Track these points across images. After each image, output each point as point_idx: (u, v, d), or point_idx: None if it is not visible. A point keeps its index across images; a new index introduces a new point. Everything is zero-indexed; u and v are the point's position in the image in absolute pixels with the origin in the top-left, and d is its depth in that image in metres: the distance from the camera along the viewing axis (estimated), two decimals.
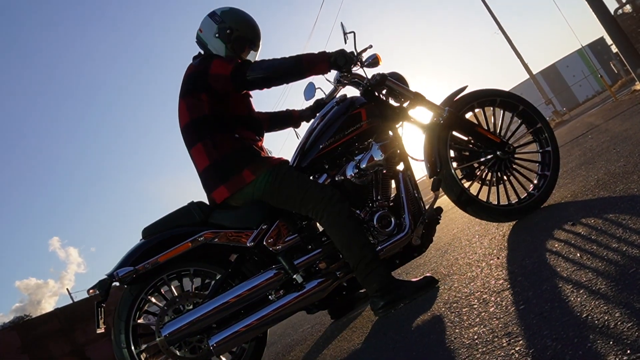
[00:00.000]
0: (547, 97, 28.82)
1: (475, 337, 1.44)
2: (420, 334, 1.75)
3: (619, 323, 1.08)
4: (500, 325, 1.42)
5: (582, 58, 48.47)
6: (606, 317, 1.14)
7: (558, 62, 50.86)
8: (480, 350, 1.33)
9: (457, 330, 1.57)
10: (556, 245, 1.94)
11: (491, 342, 1.34)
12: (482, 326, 1.49)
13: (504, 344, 1.28)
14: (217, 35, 2.71)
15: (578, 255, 1.70)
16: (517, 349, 1.22)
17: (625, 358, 0.94)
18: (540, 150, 2.96)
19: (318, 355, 2.38)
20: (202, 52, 2.80)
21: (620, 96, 14.94)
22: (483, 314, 1.59)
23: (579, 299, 1.32)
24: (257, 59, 2.84)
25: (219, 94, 2.56)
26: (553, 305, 1.37)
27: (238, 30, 2.73)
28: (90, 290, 2.35)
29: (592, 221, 2.04)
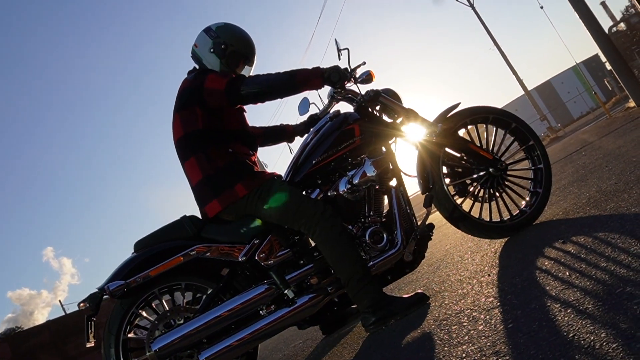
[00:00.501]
0: (541, 113, 29.00)
1: (464, 355, 1.44)
2: (409, 351, 1.75)
3: (604, 344, 1.09)
4: (488, 344, 1.42)
5: (576, 75, 48.91)
6: (592, 338, 1.14)
7: (553, 78, 51.30)
8: None
9: (445, 348, 1.57)
10: (546, 264, 1.95)
11: None
12: (470, 344, 1.49)
13: None
14: (212, 50, 2.73)
15: (567, 273, 1.71)
16: None
17: None
18: (533, 168, 2.98)
19: None
20: (197, 66, 2.82)
21: (614, 113, 15.06)
22: (472, 332, 1.60)
23: (566, 319, 1.33)
24: (251, 74, 2.86)
25: (213, 108, 2.57)
26: (541, 324, 1.38)
27: (233, 45, 2.75)
28: (81, 304, 2.34)
29: (582, 239, 2.05)
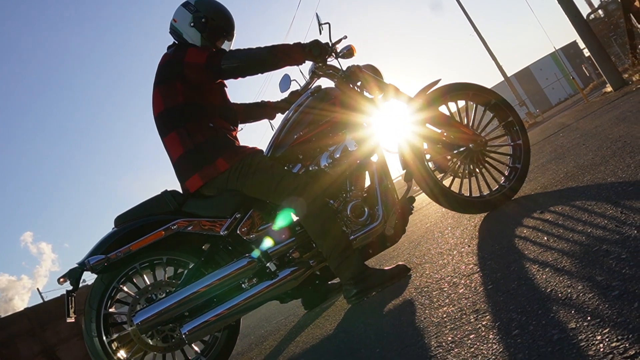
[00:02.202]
0: (520, 99, 29.25)
1: (445, 316, 1.46)
2: (391, 317, 1.77)
3: (581, 295, 1.11)
4: (468, 304, 1.44)
5: (555, 61, 49.31)
6: (569, 291, 1.17)
7: (532, 65, 51.69)
8: (448, 327, 1.35)
9: (427, 311, 1.59)
10: (525, 232, 1.97)
11: (459, 319, 1.36)
12: (451, 306, 1.52)
13: (472, 320, 1.30)
14: (192, 24, 2.70)
15: (545, 238, 1.74)
16: (484, 323, 1.24)
17: (585, 324, 0.97)
18: (512, 143, 3.01)
19: (291, 342, 2.39)
20: (177, 42, 2.78)
21: (591, 98, 15.24)
22: (452, 295, 1.62)
23: (544, 277, 1.35)
24: (231, 49, 2.84)
25: (193, 82, 2.54)
26: (520, 283, 1.40)
27: (213, 19, 2.72)
28: (61, 279, 2.32)
29: (560, 208, 2.08)
